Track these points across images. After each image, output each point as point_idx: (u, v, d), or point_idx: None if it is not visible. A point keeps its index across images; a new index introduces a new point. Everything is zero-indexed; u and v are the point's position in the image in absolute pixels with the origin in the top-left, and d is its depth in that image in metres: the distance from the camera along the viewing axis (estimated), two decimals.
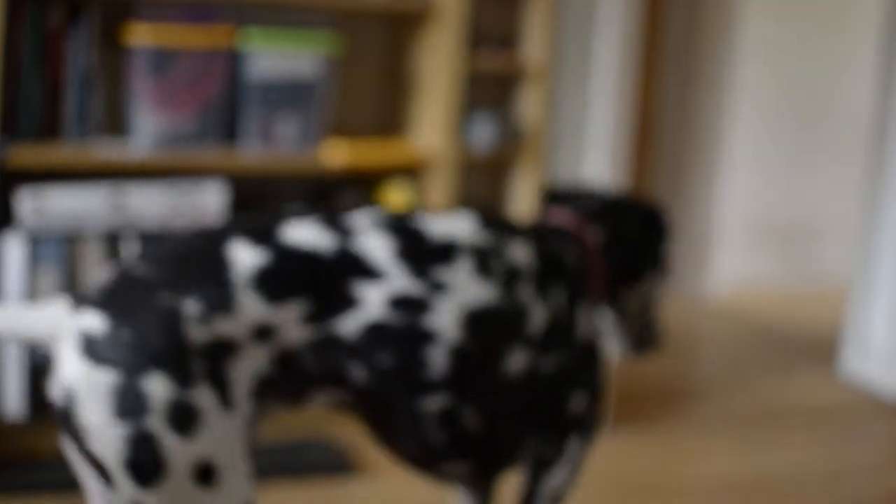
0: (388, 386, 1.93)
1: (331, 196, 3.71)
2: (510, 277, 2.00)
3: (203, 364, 1.76)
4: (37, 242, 3.16)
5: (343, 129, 3.69)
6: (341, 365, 1.90)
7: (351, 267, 1.88)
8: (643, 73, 5.54)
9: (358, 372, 1.91)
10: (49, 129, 3.27)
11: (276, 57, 3.44)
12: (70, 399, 1.71)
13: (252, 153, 3.45)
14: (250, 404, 1.82)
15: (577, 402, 2.14)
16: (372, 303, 1.88)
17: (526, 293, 2.02)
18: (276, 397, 1.89)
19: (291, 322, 1.84)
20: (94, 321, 1.74)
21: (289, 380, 1.88)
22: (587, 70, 3.93)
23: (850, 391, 4.69)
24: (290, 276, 1.84)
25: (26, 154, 3.16)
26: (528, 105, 3.86)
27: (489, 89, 3.91)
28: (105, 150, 3.31)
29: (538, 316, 2.03)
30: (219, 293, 1.79)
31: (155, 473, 1.72)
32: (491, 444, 2.06)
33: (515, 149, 3.83)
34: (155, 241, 1.92)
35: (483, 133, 3.76)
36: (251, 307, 1.80)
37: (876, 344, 4.71)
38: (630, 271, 2.37)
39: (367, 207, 2.50)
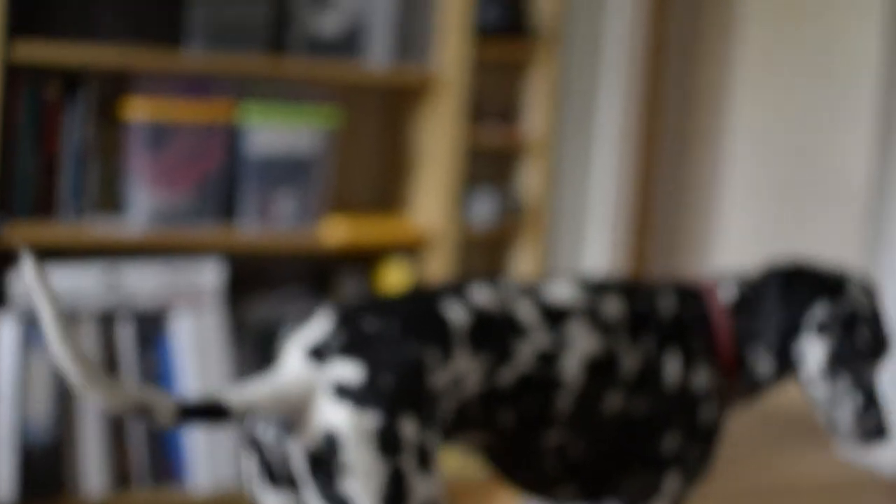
0: (525, 427, 2.18)
1: (329, 274, 3.64)
2: (606, 330, 2.24)
3: (431, 410, 2.01)
4: (31, 324, 3.08)
5: (342, 204, 3.63)
6: (495, 411, 2.15)
7: (509, 326, 2.15)
8: (644, 146, 5.52)
9: (505, 416, 2.16)
10: (44, 205, 3.19)
11: (274, 132, 3.38)
12: (334, 442, 1.94)
13: (250, 230, 3.38)
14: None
15: (670, 442, 2.30)
16: (523, 356, 2.15)
17: (618, 342, 2.25)
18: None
19: (476, 373, 2.10)
20: (348, 370, 1.98)
21: (451, 428, 2.13)
22: (589, 144, 3.90)
23: (848, 468, 4.63)
24: (481, 332, 2.12)
25: (20, 232, 3.09)
26: (529, 180, 3.81)
27: (490, 164, 3.86)
28: (100, 228, 3.24)
29: (629, 362, 2.25)
30: (444, 345, 2.06)
31: None
32: (592, 471, 2.29)
33: (516, 224, 3.78)
34: (366, 303, 2.14)
35: (483, 208, 3.70)
36: (460, 358, 2.07)
37: None
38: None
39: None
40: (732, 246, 6.25)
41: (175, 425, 1.91)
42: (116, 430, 3.25)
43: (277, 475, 2.05)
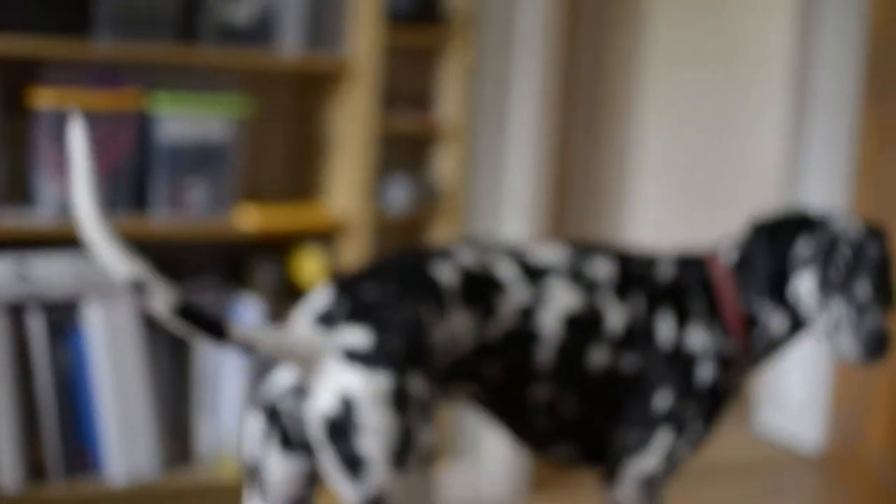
0: (510, 379, 2.31)
1: (243, 263, 3.63)
2: (589, 288, 2.36)
3: (430, 366, 2.15)
4: None
5: (255, 193, 3.61)
6: (482, 364, 2.29)
7: (491, 283, 2.30)
8: (558, 131, 5.53)
9: (491, 369, 2.30)
10: None
11: (185, 120, 3.36)
12: (348, 404, 2.08)
13: (162, 219, 3.36)
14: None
15: (661, 400, 2.40)
16: (505, 312, 2.29)
17: (603, 300, 2.37)
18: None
19: (467, 329, 2.24)
20: (356, 336, 2.11)
21: (446, 381, 2.27)
22: (503, 129, 3.90)
23: (766, 445, 4.68)
24: (470, 290, 2.25)
25: None
26: (444, 165, 3.81)
27: (404, 150, 3.86)
28: (9, 219, 3.20)
29: (614, 319, 2.37)
30: (438, 304, 2.19)
31: (407, 460, 2.10)
32: (586, 429, 2.41)
33: (432, 210, 3.78)
34: (361, 272, 2.26)
35: (398, 195, 3.70)
36: (454, 317, 2.22)
37: (791, 397, 4.71)
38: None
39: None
40: (646, 225, 6.29)
41: (169, 317, 1.99)
42: (29, 422, 3.23)
43: (293, 440, 2.16)
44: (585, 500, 3.93)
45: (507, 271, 2.34)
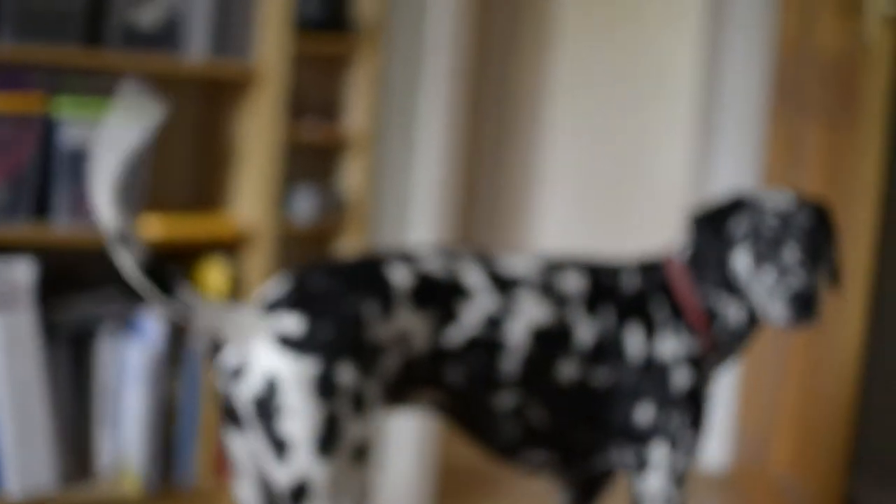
0: (474, 387, 2.36)
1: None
2: (559, 302, 2.40)
3: (370, 360, 2.21)
4: None
5: (158, 201, 3.53)
6: (443, 370, 2.34)
7: (455, 289, 2.34)
8: (466, 142, 5.52)
9: (454, 375, 2.35)
10: None
11: (89, 126, 3.27)
12: (272, 384, 2.17)
13: (63, 227, 3.28)
14: (379, 402, 2.27)
15: (644, 413, 2.44)
16: (469, 318, 2.34)
17: (572, 314, 2.40)
18: (387, 398, 2.32)
19: (421, 331, 2.29)
20: (290, 322, 2.20)
21: (402, 383, 2.32)
22: (411, 139, 3.87)
23: None
24: (426, 293, 2.30)
25: None
26: (352, 175, 3.77)
27: (312, 160, 3.81)
28: None
29: (584, 334, 2.41)
30: (384, 302, 2.25)
31: (332, 447, 2.17)
32: (559, 440, 2.45)
33: (339, 220, 3.73)
34: (318, 265, 2.34)
35: (305, 205, 3.65)
36: (402, 316, 2.27)
37: None
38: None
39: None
40: (554, 233, 6.29)
41: (136, 274, 2.12)
42: None
43: (237, 419, 2.26)
44: None
45: (474, 279, 2.38)
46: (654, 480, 2.46)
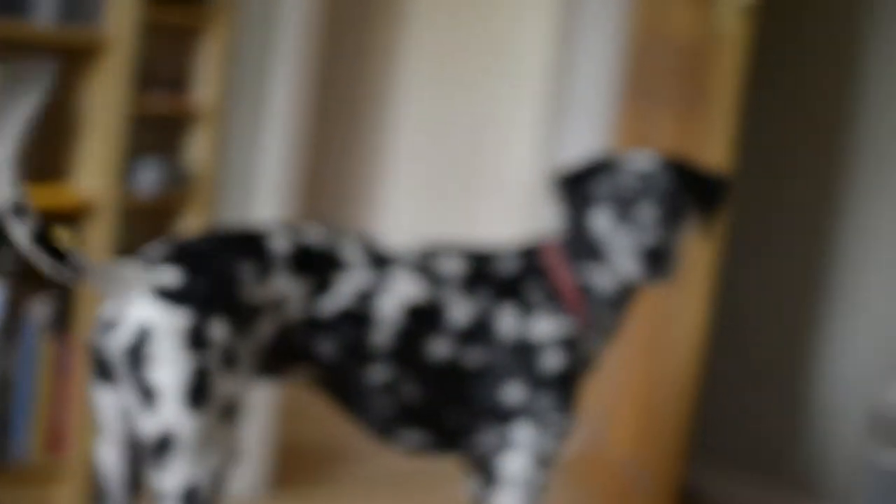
0: (346, 359, 2.39)
1: None
2: (435, 282, 2.44)
3: (244, 321, 2.25)
4: None
5: None
6: (316, 340, 2.37)
7: (332, 261, 2.38)
8: (315, 115, 5.47)
9: (326, 347, 2.38)
10: None
11: None
12: (144, 333, 2.19)
13: None
14: (252, 365, 2.29)
15: (512, 393, 2.46)
16: (343, 290, 2.37)
17: (447, 295, 2.44)
18: (262, 368, 2.36)
19: (296, 299, 2.33)
20: (168, 276, 2.22)
21: (277, 351, 2.35)
22: (259, 113, 3.81)
23: None
24: (303, 261, 2.35)
25: None
26: (198, 148, 3.69)
27: (159, 132, 3.73)
28: None
29: (458, 314, 2.44)
30: (261, 266, 2.29)
31: (201, 401, 2.19)
32: (434, 418, 2.47)
33: (183, 194, 3.66)
34: (206, 232, 2.35)
35: (150, 177, 3.57)
36: (278, 281, 2.31)
37: None
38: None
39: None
40: (401, 213, 6.28)
41: (30, 245, 2.07)
42: None
43: (111, 374, 2.27)
44: (327, 497, 3.88)
45: (352, 253, 2.42)
46: (517, 460, 2.48)
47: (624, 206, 2.47)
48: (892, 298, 3.87)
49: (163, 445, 2.21)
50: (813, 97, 4.11)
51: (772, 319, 4.21)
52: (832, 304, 4.02)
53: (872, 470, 3.02)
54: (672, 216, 2.48)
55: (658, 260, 2.42)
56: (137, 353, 2.20)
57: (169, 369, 2.20)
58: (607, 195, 2.49)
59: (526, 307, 2.50)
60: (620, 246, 2.46)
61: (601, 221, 2.49)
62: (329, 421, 4.67)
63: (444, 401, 2.48)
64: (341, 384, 2.45)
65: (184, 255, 2.28)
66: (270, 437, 3.95)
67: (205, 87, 3.69)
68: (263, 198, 3.85)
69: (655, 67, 4.11)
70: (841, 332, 3.99)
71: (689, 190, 2.52)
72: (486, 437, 2.52)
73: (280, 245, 2.36)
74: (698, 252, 3.48)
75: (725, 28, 3.41)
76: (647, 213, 2.45)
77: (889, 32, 3.89)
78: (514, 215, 6.04)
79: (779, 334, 4.18)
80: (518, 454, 2.48)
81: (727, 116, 3.42)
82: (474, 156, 6.44)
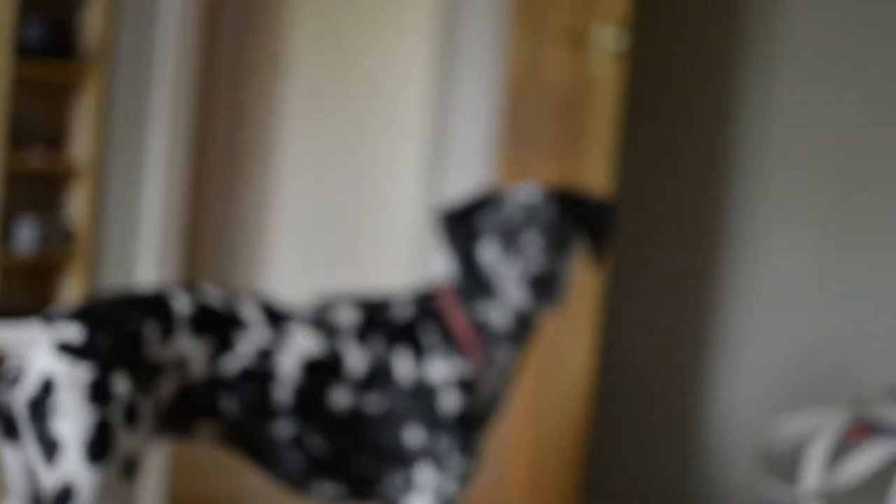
0: (250, 416, 2.42)
1: None
2: (330, 333, 2.47)
3: (147, 378, 2.26)
4: None
5: None
6: (219, 399, 2.39)
7: (232, 320, 2.41)
8: (195, 170, 5.44)
9: (230, 405, 2.40)
10: None
11: None
12: (48, 385, 2.20)
13: None
14: (154, 422, 2.31)
15: (412, 436, 2.48)
16: (244, 349, 2.40)
17: (344, 345, 2.46)
18: (165, 426, 2.38)
19: (198, 358, 2.36)
20: (71, 330, 2.25)
21: (179, 410, 2.36)
22: (138, 168, 3.78)
23: None
24: (204, 321, 2.37)
25: None
26: (77, 206, 3.66)
27: (37, 189, 3.69)
28: None
29: (355, 362, 2.46)
30: (164, 325, 2.32)
31: (103, 454, 2.20)
32: (343, 468, 2.49)
33: (64, 251, 3.62)
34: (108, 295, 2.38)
35: (27, 236, 3.53)
36: (180, 341, 2.33)
37: None
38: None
39: None
40: (284, 265, 6.26)
41: None
42: None
43: (14, 429, 2.26)
44: None
45: (250, 312, 2.45)
46: (420, 503, 2.49)
47: (509, 238, 2.48)
48: (780, 328, 3.93)
49: (63, 498, 2.21)
50: (691, 130, 4.18)
51: (660, 353, 4.25)
52: (720, 335, 4.07)
53: (761, 502, 3.06)
54: (557, 244, 2.49)
55: (545, 287, 2.44)
56: (40, 405, 2.21)
57: (71, 422, 2.20)
58: (492, 228, 2.50)
59: (421, 351, 2.51)
60: (507, 276, 2.48)
61: (488, 255, 2.51)
62: (225, 475, 4.63)
63: (349, 450, 2.49)
64: (248, 441, 2.47)
65: (88, 312, 2.30)
66: (165, 493, 3.90)
67: (81, 143, 3.66)
68: (146, 254, 3.81)
69: (532, 112, 4.16)
70: (730, 362, 4.04)
71: (574, 217, 2.54)
72: (392, 483, 2.53)
73: (182, 305, 2.39)
74: (584, 286, 3.51)
75: (599, 73, 3.46)
76: (532, 241, 2.47)
77: (763, 66, 3.98)
78: (403, 261, 6.05)
79: (668, 367, 4.22)
80: (421, 497, 2.49)
81: (604, 160, 3.46)
82: (359, 205, 6.45)
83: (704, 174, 4.14)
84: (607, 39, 3.45)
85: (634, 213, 4.28)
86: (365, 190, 6.46)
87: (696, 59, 4.20)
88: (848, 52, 3.77)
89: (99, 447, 2.21)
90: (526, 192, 2.53)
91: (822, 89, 3.83)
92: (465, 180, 4.63)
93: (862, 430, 2.85)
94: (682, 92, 4.24)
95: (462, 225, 2.55)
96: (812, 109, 3.85)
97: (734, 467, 4.00)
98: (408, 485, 2.50)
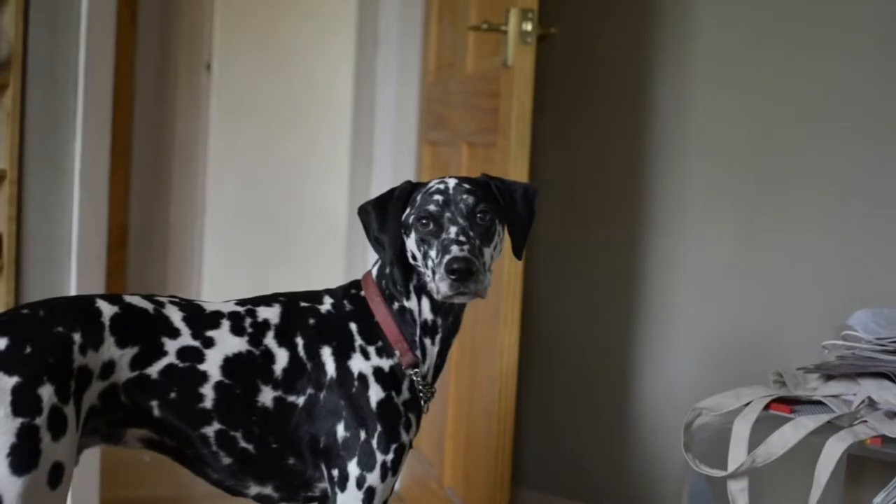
0: (175, 418, 2.42)
1: None
2: (257, 332, 2.49)
3: (74, 386, 2.27)
4: None
5: None
6: (146, 404, 2.39)
7: (158, 323, 2.43)
8: (118, 180, 5.42)
9: (157, 409, 2.40)
10: None
11: None
12: None
13: None
14: (81, 432, 2.32)
15: (337, 434, 2.49)
16: (170, 352, 2.41)
17: (269, 343, 2.49)
18: (95, 432, 2.40)
19: (125, 364, 2.37)
20: None
21: (107, 416, 2.38)
22: (58, 177, 3.76)
23: None
24: (130, 325, 2.39)
25: None
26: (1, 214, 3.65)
27: None
28: None
29: (281, 359, 2.48)
30: (90, 332, 2.33)
31: (29, 465, 2.20)
32: (274, 466, 2.51)
33: None
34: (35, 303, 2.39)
35: None
36: (107, 347, 2.35)
37: None
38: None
39: None
40: (217, 274, 6.25)
41: None
42: None
43: None
44: None
45: (174, 315, 2.47)
46: (348, 497, 2.49)
47: (428, 229, 2.48)
48: (704, 313, 3.95)
49: None
50: (607, 115, 4.20)
51: (585, 339, 4.27)
52: (645, 321, 4.09)
53: (688, 490, 3.08)
54: (478, 230, 2.49)
55: (463, 276, 2.42)
56: None
57: None
58: (413, 220, 2.50)
59: (346, 345, 2.52)
60: (430, 266, 2.47)
61: (410, 245, 2.51)
62: (153, 480, 4.62)
63: (278, 448, 2.50)
64: (178, 446, 2.47)
65: (11, 321, 2.30)
66: (94, 499, 3.89)
67: (1, 150, 3.64)
68: (68, 261, 3.79)
69: (450, 103, 4.18)
70: (655, 349, 4.07)
71: (494, 204, 2.54)
72: (322, 479, 2.54)
73: (107, 310, 2.39)
74: (508, 274, 3.53)
75: (513, 62, 3.48)
76: (453, 230, 2.46)
77: (677, 49, 4.00)
78: (332, 258, 6.06)
79: (594, 354, 4.24)
80: (349, 491, 2.49)
81: (522, 147, 3.48)
82: (289, 204, 6.46)
83: (623, 159, 4.16)
84: (522, 25, 3.47)
85: (555, 200, 4.30)
86: (295, 188, 6.46)
87: (610, 44, 4.23)
88: (760, 35, 3.79)
89: (23, 457, 2.20)
90: (442, 182, 2.53)
91: (735, 74, 3.86)
92: (394, 172, 4.65)
93: (782, 407, 2.89)
94: (597, 76, 4.26)
95: (382, 217, 2.55)
96: (728, 95, 3.87)
97: (662, 451, 4.03)
98: (334, 481, 2.50)
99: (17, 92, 3.63)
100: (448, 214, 2.48)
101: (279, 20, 6.44)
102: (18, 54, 3.62)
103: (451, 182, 2.53)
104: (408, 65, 4.64)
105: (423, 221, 2.49)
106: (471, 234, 2.48)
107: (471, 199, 2.50)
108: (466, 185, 2.52)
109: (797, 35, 3.71)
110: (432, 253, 2.47)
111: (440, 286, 2.44)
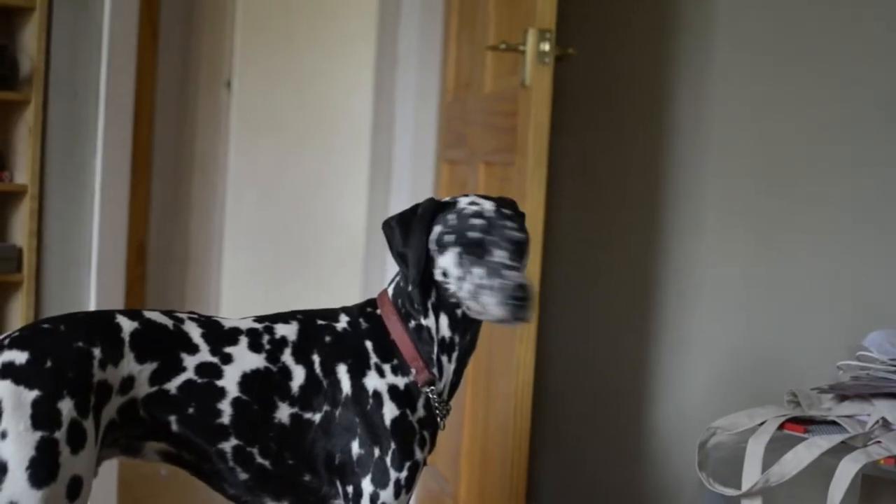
0: (193, 433, 2.43)
1: None
2: (275, 349, 2.50)
3: (93, 400, 2.28)
4: None
5: None
6: (165, 418, 2.40)
7: (177, 339, 2.44)
8: (143, 193, 5.45)
9: (175, 424, 2.42)
10: None
11: None
12: None
13: None
14: (100, 445, 2.32)
15: (353, 451, 2.50)
16: (189, 368, 2.42)
17: (287, 360, 2.50)
18: (113, 445, 2.41)
19: (144, 379, 2.38)
20: (16, 355, 2.26)
21: (125, 430, 2.38)
22: (80, 194, 3.79)
23: None
24: (150, 341, 2.40)
25: None
26: (19, 228, 3.67)
27: None
28: None
29: (298, 376, 2.49)
30: (110, 347, 2.34)
31: (48, 478, 2.21)
32: (290, 483, 2.52)
33: (7, 273, 3.62)
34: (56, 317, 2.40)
35: None
36: (126, 362, 2.36)
37: None
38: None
39: None
40: (236, 289, 6.26)
41: None
42: None
43: None
44: None
45: (193, 331, 2.48)
46: None
47: (472, 247, 2.45)
48: (719, 329, 3.96)
49: None
50: (625, 134, 4.21)
51: (602, 359, 4.28)
52: (662, 339, 4.10)
53: (703, 502, 3.09)
54: (520, 256, 2.48)
55: (524, 301, 2.40)
56: None
57: (16, 444, 2.21)
58: (454, 237, 2.47)
59: (361, 362, 2.53)
60: (471, 283, 2.45)
61: (444, 263, 2.48)
62: (169, 494, 4.63)
63: (294, 464, 2.51)
64: (196, 460, 2.49)
65: (32, 336, 2.31)
66: None
67: (23, 166, 3.67)
68: (90, 275, 3.82)
69: (469, 122, 4.20)
70: (672, 367, 4.07)
71: (523, 227, 2.53)
72: (337, 495, 2.55)
73: (129, 325, 2.41)
74: None
75: (532, 82, 3.50)
76: (501, 255, 2.45)
77: (694, 70, 4.01)
78: (350, 275, 6.07)
79: (610, 372, 4.25)
80: None
81: (540, 166, 3.49)
82: (308, 218, 6.47)
83: (640, 180, 4.17)
84: (540, 46, 3.49)
85: (572, 220, 4.31)
86: (314, 204, 6.48)
87: (628, 65, 4.24)
88: (777, 58, 3.80)
89: (42, 469, 2.22)
90: (474, 203, 2.52)
91: (752, 96, 3.87)
92: (411, 192, 4.67)
93: (796, 427, 2.89)
94: (615, 97, 4.28)
95: (406, 233, 2.53)
96: (745, 117, 3.88)
97: (677, 469, 4.03)
98: (349, 498, 2.51)
99: (38, 107, 3.66)
100: (492, 238, 2.45)
101: (299, 38, 6.47)
102: (40, 70, 3.65)
103: (487, 205, 2.51)
104: (426, 83, 4.67)
105: (467, 240, 2.45)
106: (518, 259, 2.47)
107: (512, 225, 2.49)
108: (505, 211, 2.51)
109: (812, 59, 3.72)
110: (477, 271, 2.44)
111: (494, 310, 2.41)
